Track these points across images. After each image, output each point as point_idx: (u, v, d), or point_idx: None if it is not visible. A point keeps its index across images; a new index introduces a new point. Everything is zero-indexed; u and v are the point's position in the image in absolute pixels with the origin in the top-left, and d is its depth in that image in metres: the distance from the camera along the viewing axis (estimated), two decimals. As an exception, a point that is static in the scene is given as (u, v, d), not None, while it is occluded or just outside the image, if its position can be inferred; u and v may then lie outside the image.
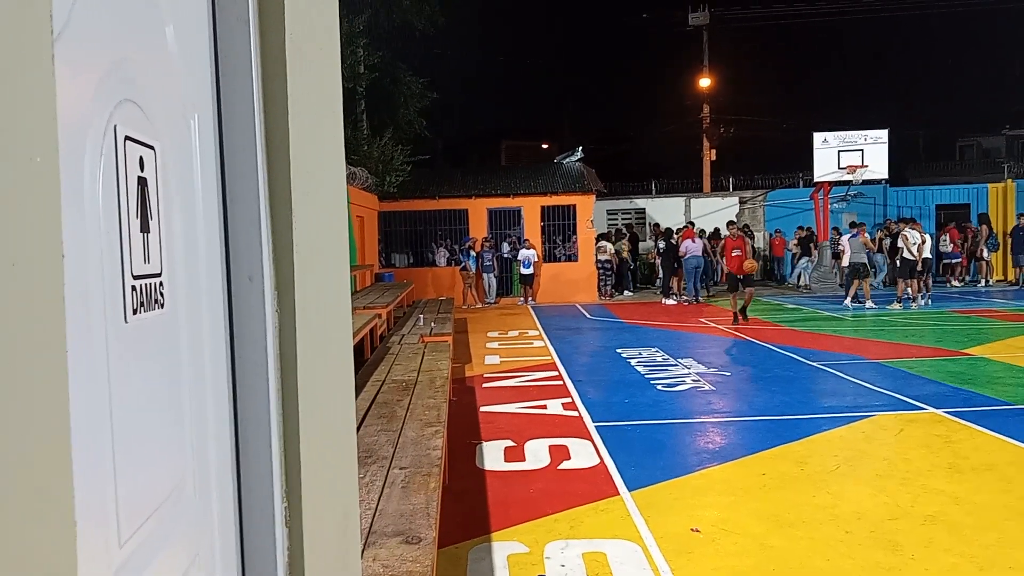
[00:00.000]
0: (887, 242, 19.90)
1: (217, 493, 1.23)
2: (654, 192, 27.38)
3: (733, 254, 14.54)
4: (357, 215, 17.17)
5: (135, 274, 0.94)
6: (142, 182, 0.97)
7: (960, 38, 56.08)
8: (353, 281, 15.50)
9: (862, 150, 20.96)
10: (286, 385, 1.35)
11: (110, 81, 0.89)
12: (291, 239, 1.34)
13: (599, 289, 20.86)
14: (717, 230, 22.27)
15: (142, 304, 0.96)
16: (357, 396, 5.97)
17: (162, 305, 1.03)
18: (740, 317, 14.64)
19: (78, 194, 0.81)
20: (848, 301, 17.03)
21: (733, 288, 14.75)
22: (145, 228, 0.98)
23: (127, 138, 0.93)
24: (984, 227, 21.49)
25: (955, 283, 21.25)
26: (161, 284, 1.03)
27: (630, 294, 21.51)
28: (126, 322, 0.92)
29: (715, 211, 25.18)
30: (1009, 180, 23.65)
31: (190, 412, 1.13)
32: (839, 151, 21.04)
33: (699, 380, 9.38)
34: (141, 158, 0.97)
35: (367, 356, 8.88)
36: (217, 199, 1.27)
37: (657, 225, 23.27)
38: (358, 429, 4.85)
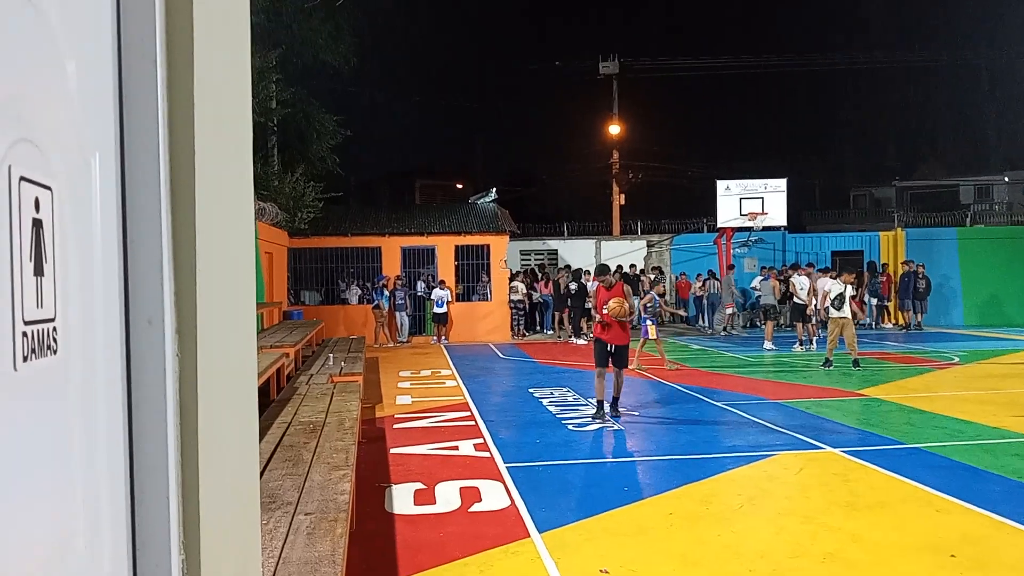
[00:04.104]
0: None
1: (110, 547, 1.18)
2: (566, 234, 27.83)
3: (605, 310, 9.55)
4: (265, 251, 16.82)
5: (27, 319, 0.90)
6: (37, 224, 0.94)
7: (854, 94, 59.54)
8: (260, 319, 15.12)
9: (762, 198, 21.89)
10: (186, 431, 1.31)
11: (4, 120, 0.86)
12: (194, 280, 1.30)
13: (512, 329, 20.95)
14: (620, 267, 22.71)
15: (33, 351, 0.92)
16: (262, 439, 5.80)
17: (55, 351, 0.99)
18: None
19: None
20: (768, 343, 17.52)
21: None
22: (39, 271, 0.94)
23: (22, 178, 0.90)
24: (867, 274, 22.64)
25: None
26: (55, 329, 0.99)
27: (550, 332, 21.66)
28: (15, 370, 0.88)
29: (624, 253, 25.74)
30: (899, 228, 25.03)
31: (82, 462, 1.08)
32: (741, 198, 21.91)
33: (608, 420, 9.48)
34: (37, 199, 0.94)
35: (273, 397, 8.64)
36: (117, 240, 1.23)
37: (568, 266, 23.60)
38: (262, 474, 4.70)
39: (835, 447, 7.91)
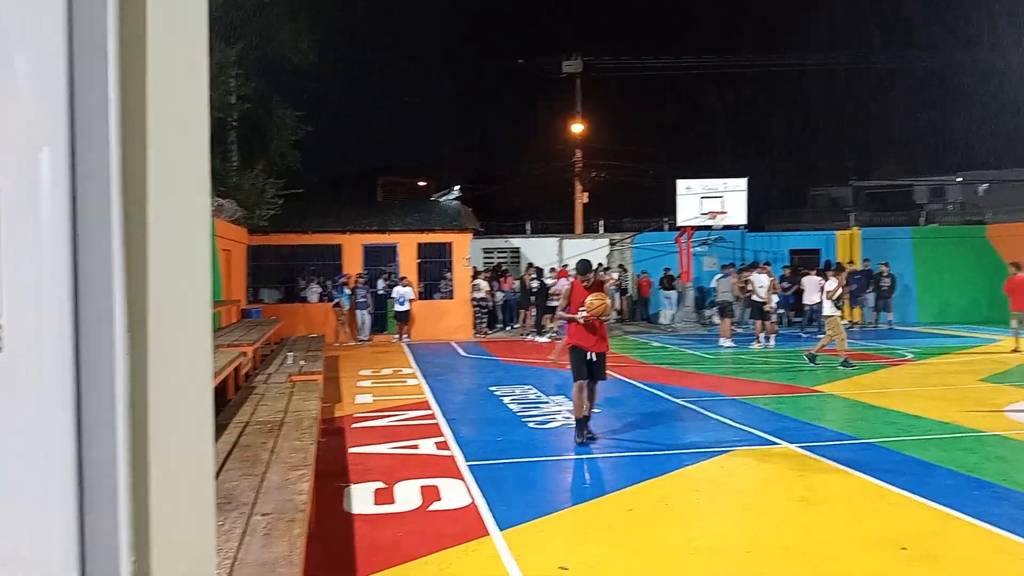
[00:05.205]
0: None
1: (58, 548, 1.16)
2: (529, 232, 27.88)
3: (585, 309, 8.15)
4: (224, 248, 16.59)
5: (-30, 317, 0.88)
6: (-19, 220, 0.92)
7: (813, 96, 60.49)
8: (217, 317, 14.91)
9: (722, 197, 22.13)
10: (136, 431, 1.29)
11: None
12: (146, 278, 1.29)
13: (475, 327, 20.94)
14: (600, 265, 22.84)
15: (-24, 349, 0.90)
16: (218, 438, 5.73)
17: (0, 349, 0.97)
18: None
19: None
20: (726, 341, 17.70)
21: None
22: (-17, 268, 0.92)
23: (-35, 173, 0.88)
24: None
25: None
26: (0, 327, 0.97)
27: (516, 327, 21.72)
28: (-43, 369, 0.86)
29: (586, 252, 25.86)
30: (855, 228, 25.50)
31: (29, 462, 1.06)
32: (701, 198, 22.12)
33: (570, 417, 9.52)
34: (-19, 194, 0.92)
35: (231, 396, 8.53)
36: (67, 236, 1.21)
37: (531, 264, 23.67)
38: (218, 474, 4.65)
39: (791, 443, 8.04)
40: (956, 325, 22.21)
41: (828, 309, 13.66)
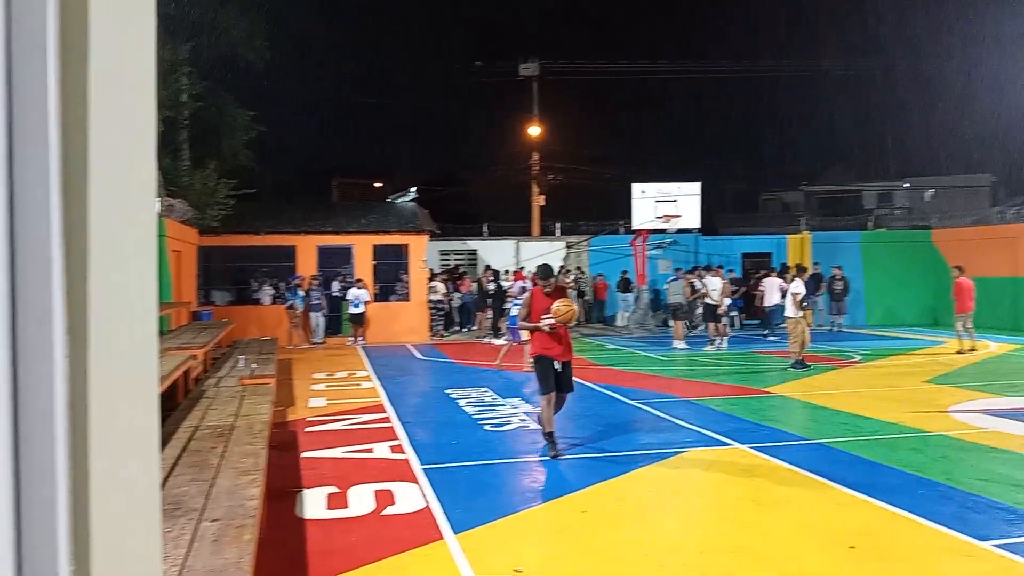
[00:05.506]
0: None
1: (-9, 560, 1.12)
2: (486, 234, 27.87)
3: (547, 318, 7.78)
4: (174, 249, 16.27)
5: None
6: (-93, 218, 0.88)
7: (765, 101, 61.58)
8: (166, 320, 14.63)
9: (676, 201, 22.39)
10: (76, 437, 1.26)
11: None
12: (86, 279, 1.25)
13: (431, 329, 20.85)
14: (563, 267, 22.88)
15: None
16: (167, 444, 5.61)
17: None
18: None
19: None
20: (679, 343, 17.89)
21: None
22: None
23: None
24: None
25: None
26: (-73, 330, 0.93)
27: (473, 329, 21.71)
28: None
29: (543, 255, 25.94)
30: (805, 232, 25.99)
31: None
32: (656, 201, 22.36)
33: (525, 420, 9.54)
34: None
35: (180, 400, 8.36)
36: (4, 237, 1.17)
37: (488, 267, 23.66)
38: (167, 479, 4.55)
39: (743, 443, 8.15)
40: (903, 327, 22.76)
41: (791, 311, 13.83)
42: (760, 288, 19.83)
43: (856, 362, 15.13)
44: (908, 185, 43.53)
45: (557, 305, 7.69)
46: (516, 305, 15.50)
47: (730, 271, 22.68)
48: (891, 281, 24.37)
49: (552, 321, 7.69)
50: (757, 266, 25.05)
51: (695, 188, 22.62)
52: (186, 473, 4.71)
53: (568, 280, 22.12)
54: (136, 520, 1.57)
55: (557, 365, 7.78)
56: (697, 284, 18.43)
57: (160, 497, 1.83)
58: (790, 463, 7.32)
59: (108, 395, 1.34)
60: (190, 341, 10.87)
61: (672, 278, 19.56)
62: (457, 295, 22.54)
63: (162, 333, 13.12)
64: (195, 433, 5.99)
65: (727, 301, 18.47)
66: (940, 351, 16.74)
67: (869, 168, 47.81)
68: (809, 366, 13.71)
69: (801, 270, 14.46)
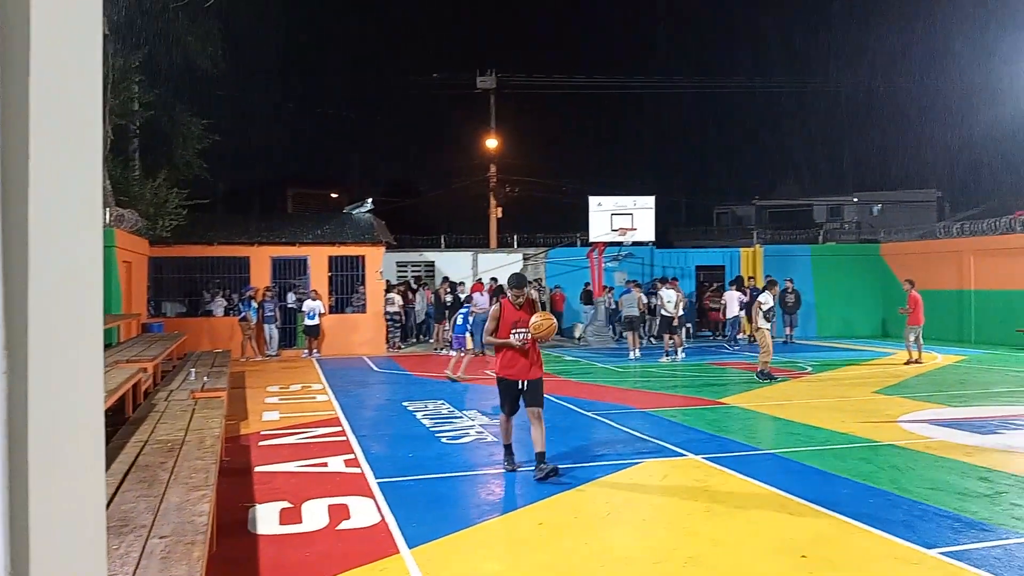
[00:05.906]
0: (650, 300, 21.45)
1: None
2: (443, 246, 27.82)
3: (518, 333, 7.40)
4: (123, 260, 15.95)
5: None
6: None
7: (718, 118, 62.64)
8: (116, 332, 14.31)
9: (632, 214, 22.63)
10: (14, 453, 1.22)
11: None
12: (26, 292, 1.22)
13: (387, 341, 20.70)
14: (539, 280, 22.92)
15: None
16: (115, 459, 5.47)
17: None
18: None
19: None
20: (635, 353, 18.05)
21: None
22: None
23: None
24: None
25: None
26: None
27: (431, 340, 21.63)
28: None
29: (500, 266, 25.98)
30: (757, 245, 26.44)
31: None
32: (612, 214, 22.58)
33: (482, 432, 9.51)
34: None
35: (129, 414, 8.17)
36: (-63, 246, 1.14)
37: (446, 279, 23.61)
38: (114, 496, 4.44)
39: (697, 454, 8.22)
40: (852, 339, 23.22)
41: (761, 322, 13.98)
42: (720, 301, 20.16)
43: (807, 373, 15.39)
44: (857, 200, 44.59)
45: (537, 320, 7.26)
46: (462, 314, 15.43)
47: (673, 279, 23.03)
48: (841, 293, 24.88)
49: (527, 336, 7.29)
50: (711, 278, 25.40)
51: (650, 202, 22.91)
52: (134, 489, 4.60)
53: (531, 293, 22.19)
54: (79, 538, 1.53)
55: (522, 384, 7.39)
56: (663, 294, 18.51)
57: (104, 513, 1.78)
58: (743, 473, 7.40)
59: (47, 411, 1.31)
60: (140, 354, 10.63)
61: (625, 291, 19.73)
62: (420, 306, 22.51)
63: (111, 345, 12.82)
64: (144, 448, 5.86)
65: (681, 313, 18.69)
66: (889, 362, 17.12)
67: (819, 183, 48.87)
68: (776, 377, 13.92)
69: (771, 284, 14.71)
